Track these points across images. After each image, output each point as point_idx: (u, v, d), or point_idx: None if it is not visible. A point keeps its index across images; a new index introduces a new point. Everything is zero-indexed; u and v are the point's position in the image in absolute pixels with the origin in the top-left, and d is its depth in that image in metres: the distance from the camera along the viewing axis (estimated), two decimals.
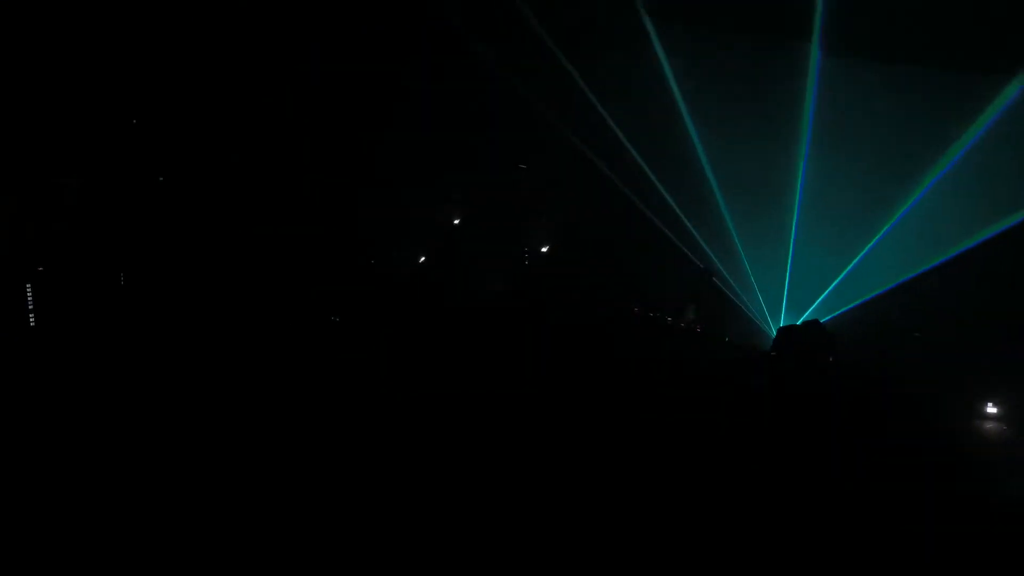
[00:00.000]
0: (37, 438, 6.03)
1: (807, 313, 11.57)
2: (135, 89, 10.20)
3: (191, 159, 10.61)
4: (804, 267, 11.81)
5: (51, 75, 9.66)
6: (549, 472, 5.15)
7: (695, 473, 5.21)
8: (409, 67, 11.21)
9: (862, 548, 4.07)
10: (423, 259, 11.67)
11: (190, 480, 5.01)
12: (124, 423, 6.39)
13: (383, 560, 3.93)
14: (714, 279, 11.82)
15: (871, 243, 11.22)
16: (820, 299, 11.68)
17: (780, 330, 9.23)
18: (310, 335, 10.14)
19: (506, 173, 11.91)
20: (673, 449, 5.67)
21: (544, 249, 11.94)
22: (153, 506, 4.55)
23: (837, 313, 11.29)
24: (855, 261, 11.37)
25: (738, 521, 4.35)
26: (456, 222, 11.83)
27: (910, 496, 4.65)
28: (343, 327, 10.47)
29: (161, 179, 10.49)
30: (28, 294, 9.59)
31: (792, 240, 11.77)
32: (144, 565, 3.90)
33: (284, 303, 10.43)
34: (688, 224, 12.05)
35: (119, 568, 3.89)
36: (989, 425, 6.86)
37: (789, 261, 11.83)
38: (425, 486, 4.93)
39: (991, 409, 7.43)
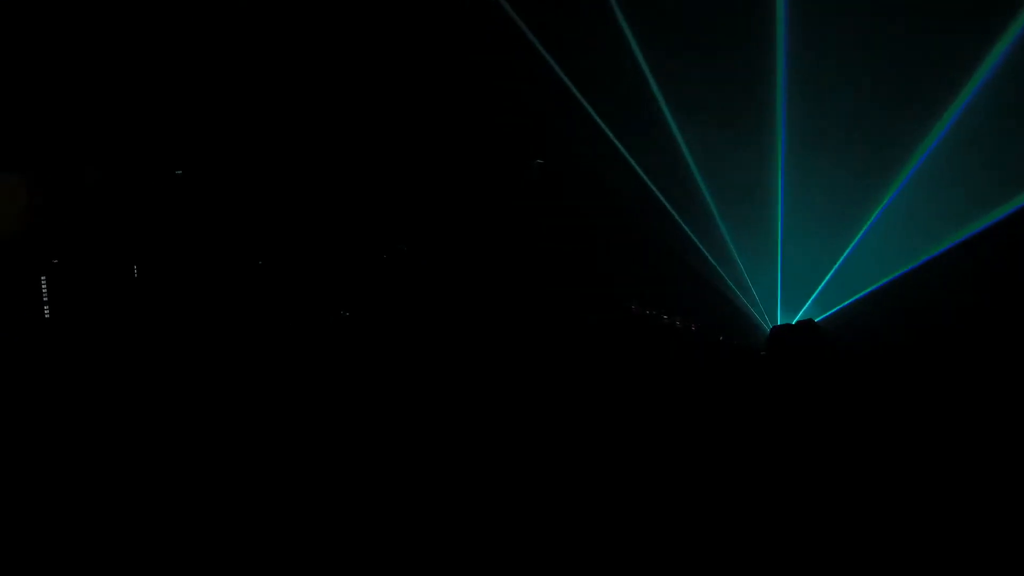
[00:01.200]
0: (47, 431, 6.17)
1: (802, 311, 11.72)
2: (152, 81, 10.33)
3: (207, 153, 10.75)
4: (796, 262, 11.91)
5: (68, 66, 9.81)
6: (546, 472, 5.15)
7: (688, 474, 5.18)
8: (421, 60, 11.33)
9: (860, 551, 4.05)
10: (423, 255, 11.81)
11: (202, 474, 5.15)
12: (135, 417, 6.56)
13: (384, 560, 4.05)
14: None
15: (857, 238, 11.30)
16: (813, 297, 11.82)
17: (773, 329, 9.35)
18: (321, 330, 10.31)
19: (513, 169, 12.02)
20: (667, 450, 5.77)
21: (543, 245, 12.07)
22: (161, 501, 4.66)
23: (833, 311, 11.42)
24: (844, 256, 11.46)
25: (734, 523, 4.36)
26: (459, 217, 11.95)
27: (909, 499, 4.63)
28: (353, 322, 10.62)
29: (179, 172, 10.64)
30: (43, 286, 9.80)
31: (780, 235, 11.88)
32: (146, 563, 3.99)
33: (296, 298, 10.59)
34: (680, 221, 12.20)
35: (122, 567, 3.96)
36: None
37: (779, 256, 11.95)
38: (422, 486, 5.06)
39: None
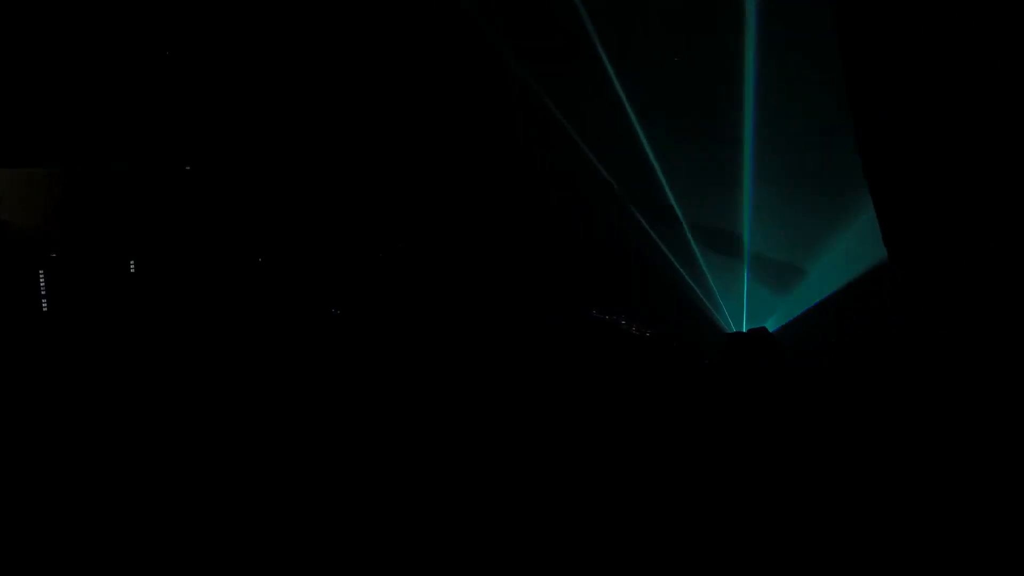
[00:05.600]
0: (42, 429, 6.24)
1: (769, 319, 11.98)
2: (164, 79, 10.67)
3: (213, 150, 11.05)
4: (764, 268, 11.90)
5: (91, 63, 10.15)
6: (502, 483, 5.19)
7: (644, 481, 5.12)
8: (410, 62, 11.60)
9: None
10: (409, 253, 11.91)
11: (199, 473, 5.25)
12: (132, 415, 6.79)
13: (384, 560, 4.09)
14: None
15: (825, 242, 11.14)
16: (780, 304, 12.03)
17: (725, 336, 9.58)
18: (313, 329, 10.53)
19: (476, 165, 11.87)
20: (624, 458, 5.62)
21: (499, 244, 11.86)
22: (157, 501, 4.74)
23: (791, 319, 11.68)
24: (813, 261, 11.38)
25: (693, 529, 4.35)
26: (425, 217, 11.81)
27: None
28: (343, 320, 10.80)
29: (188, 168, 10.91)
30: (41, 280, 10.20)
31: (747, 238, 11.71)
32: (145, 564, 4.01)
33: (289, 296, 10.86)
34: (643, 222, 12.32)
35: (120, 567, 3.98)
36: None
37: (746, 262, 11.86)
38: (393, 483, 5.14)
39: None
